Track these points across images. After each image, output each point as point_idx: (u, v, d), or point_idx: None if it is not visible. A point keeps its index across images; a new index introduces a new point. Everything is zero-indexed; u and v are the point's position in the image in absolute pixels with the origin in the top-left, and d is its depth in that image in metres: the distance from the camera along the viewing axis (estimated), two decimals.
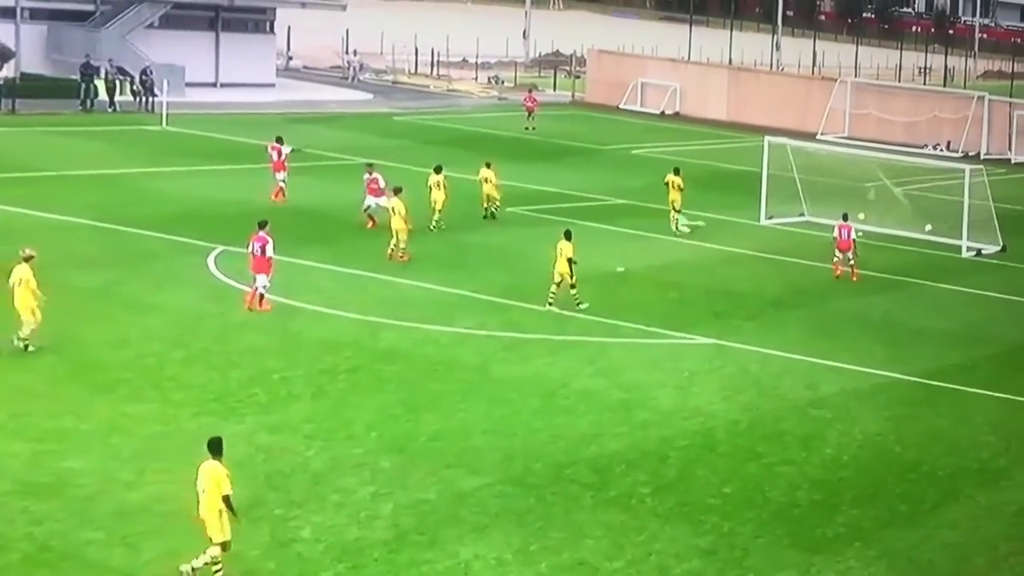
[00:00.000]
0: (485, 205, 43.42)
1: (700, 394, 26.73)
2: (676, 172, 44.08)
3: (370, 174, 40.92)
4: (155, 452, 21.40)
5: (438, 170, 41.40)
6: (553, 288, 32.16)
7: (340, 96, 77.48)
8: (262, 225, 31.10)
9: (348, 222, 40.81)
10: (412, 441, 22.76)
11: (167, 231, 36.80)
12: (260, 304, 30.12)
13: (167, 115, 59.73)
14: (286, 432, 22.66)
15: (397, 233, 36.02)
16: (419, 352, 28.01)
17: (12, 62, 64.03)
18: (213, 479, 16.99)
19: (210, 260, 34.60)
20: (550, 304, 32.10)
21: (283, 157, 43.67)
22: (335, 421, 23.51)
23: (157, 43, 69.82)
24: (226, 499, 16.99)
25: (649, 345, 30.05)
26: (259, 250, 30.53)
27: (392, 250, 36.03)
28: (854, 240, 38.28)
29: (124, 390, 24.39)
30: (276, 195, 42.95)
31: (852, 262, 38.21)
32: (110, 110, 62.93)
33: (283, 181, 43.43)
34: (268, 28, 77.89)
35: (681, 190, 43.45)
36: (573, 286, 32.15)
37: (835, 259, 38.47)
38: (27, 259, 26.37)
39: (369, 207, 40.39)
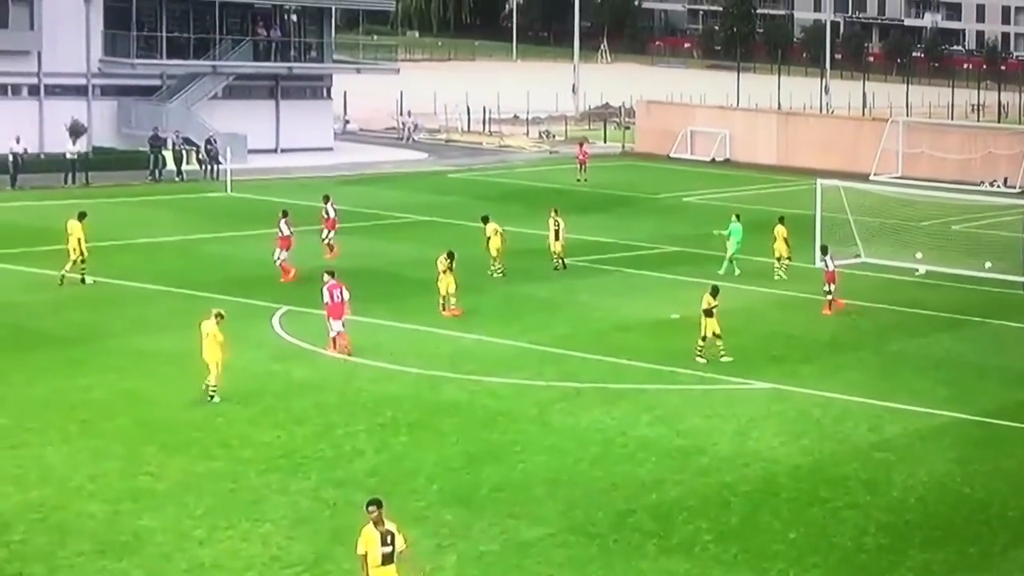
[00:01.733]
0: (555, 256, 43.52)
1: (760, 439, 26.52)
2: (781, 221, 43.63)
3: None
4: (225, 509, 21.58)
5: (486, 220, 42.18)
6: (700, 342, 32.09)
7: (395, 156, 77.98)
8: (331, 274, 32.30)
9: (407, 279, 41.05)
10: (474, 492, 22.79)
11: (233, 294, 37.12)
12: (334, 347, 31.37)
13: (231, 181, 60.42)
14: (351, 486, 22.77)
15: (446, 288, 36.15)
16: (478, 404, 28.10)
17: (85, 137, 64.99)
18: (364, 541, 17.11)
19: (275, 320, 34.91)
20: (698, 356, 32.03)
21: (330, 215, 44.58)
22: (398, 474, 23.59)
23: (220, 113, 70.73)
24: (362, 558, 17.05)
25: (707, 391, 29.89)
26: (337, 296, 31.75)
27: (443, 306, 36.11)
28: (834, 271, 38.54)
29: (195, 449, 24.62)
30: (328, 252, 43.24)
31: (831, 294, 38.28)
32: (177, 179, 63.66)
33: (329, 239, 43.91)
34: (325, 94, 78.58)
35: (786, 240, 43.07)
36: (718, 336, 32.07)
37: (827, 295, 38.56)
38: (217, 316, 27.83)
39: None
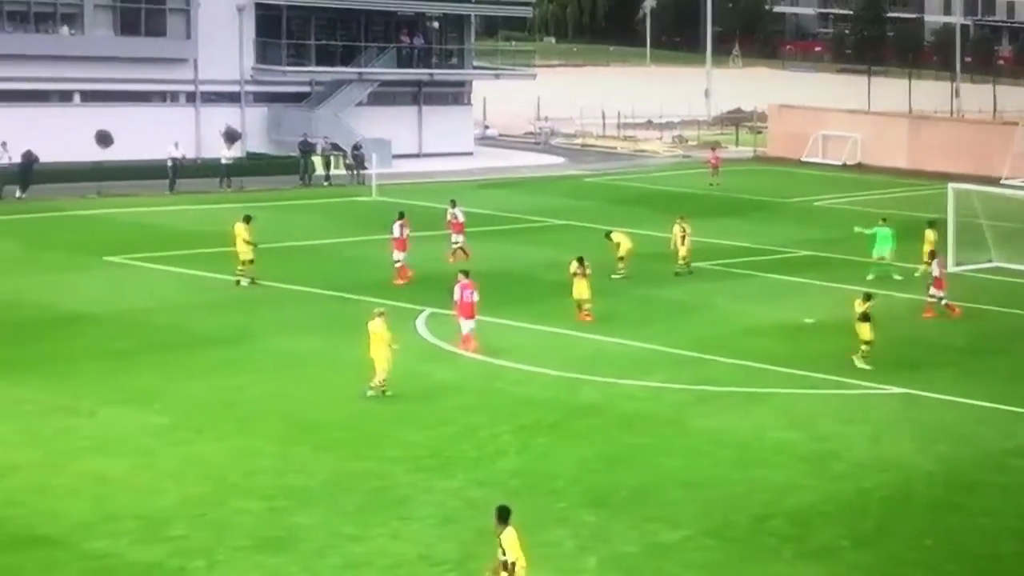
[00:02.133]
0: (681, 261, 43.02)
1: (895, 444, 26.00)
2: (931, 225, 42.66)
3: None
4: (375, 507, 21.66)
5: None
6: (863, 347, 31.68)
7: (533, 161, 77.96)
8: (466, 274, 32.62)
9: (543, 282, 41.00)
10: (613, 494, 22.63)
11: (380, 295, 37.13)
12: (470, 345, 31.55)
13: (376, 186, 60.77)
14: (494, 487, 22.73)
15: (579, 292, 35.88)
16: (616, 407, 27.96)
17: (239, 142, 66.10)
18: (514, 546, 16.87)
19: (419, 322, 35.08)
20: (861, 362, 31.56)
21: (458, 219, 44.32)
22: (539, 476, 23.51)
23: (366, 119, 71.43)
24: (505, 564, 16.90)
25: (841, 396, 29.41)
26: (467, 296, 31.99)
27: (580, 308, 35.97)
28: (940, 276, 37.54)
29: (344, 448, 24.77)
30: (452, 258, 42.91)
31: (940, 299, 37.38)
32: (326, 184, 64.15)
33: (461, 244, 43.59)
34: (466, 100, 79.04)
35: (932, 245, 41.77)
36: (867, 343, 31.63)
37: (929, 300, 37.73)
38: (381, 315, 28.20)
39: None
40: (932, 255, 38.89)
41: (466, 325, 31.92)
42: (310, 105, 70.91)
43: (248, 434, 25.49)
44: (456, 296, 32.12)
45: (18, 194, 56.33)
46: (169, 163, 60.54)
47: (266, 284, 39.78)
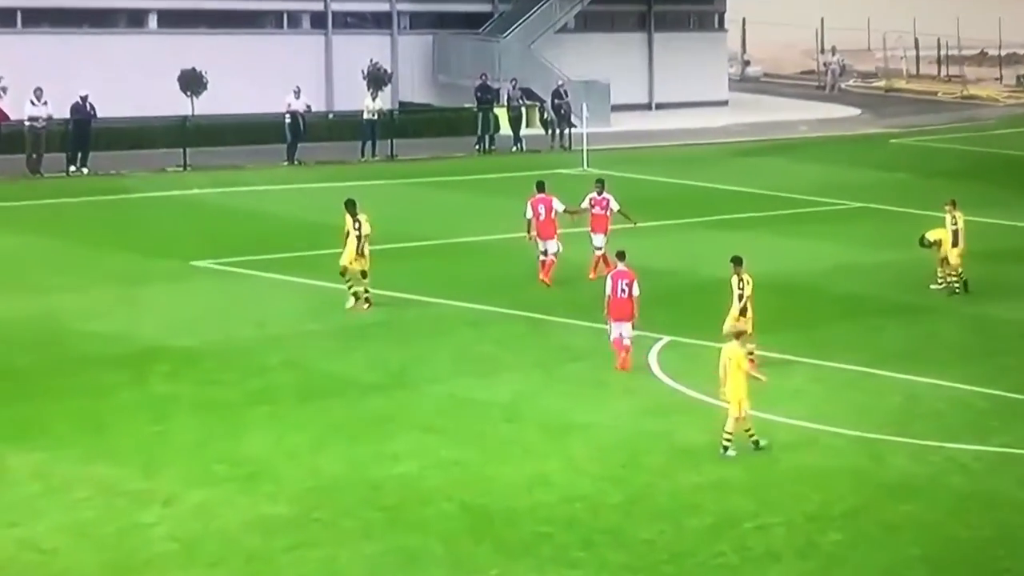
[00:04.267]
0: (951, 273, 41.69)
1: None
2: None
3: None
4: None
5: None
6: None
7: (815, 113, 77.32)
8: (621, 256, 34.05)
9: (831, 296, 40.86)
10: None
11: (590, 317, 36.76)
12: (626, 361, 32.62)
13: (588, 152, 60.08)
14: None
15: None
16: (942, 483, 27.43)
17: (387, 89, 65.55)
18: None
19: (651, 355, 34.78)
20: None
21: (604, 209, 42.90)
22: None
23: (571, 52, 70.75)
24: None
25: None
26: (622, 289, 32.85)
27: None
28: None
29: (546, 549, 24.39)
30: (594, 268, 42.00)
31: None
32: (514, 148, 64.15)
33: (600, 247, 42.15)
34: (717, 24, 78.02)
35: None
36: None
37: None
38: (738, 335, 29.47)
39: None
40: None
41: (617, 330, 32.74)
42: (491, 33, 70.55)
43: (405, 528, 25.19)
44: (608, 289, 33.11)
45: (72, 168, 56.63)
46: (287, 119, 60.13)
47: (429, 300, 39.65)
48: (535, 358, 34.64)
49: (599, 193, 42.98)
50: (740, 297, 33.45)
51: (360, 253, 38.35)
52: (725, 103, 76.14)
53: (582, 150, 60.68)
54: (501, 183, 57.43)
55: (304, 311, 39.16)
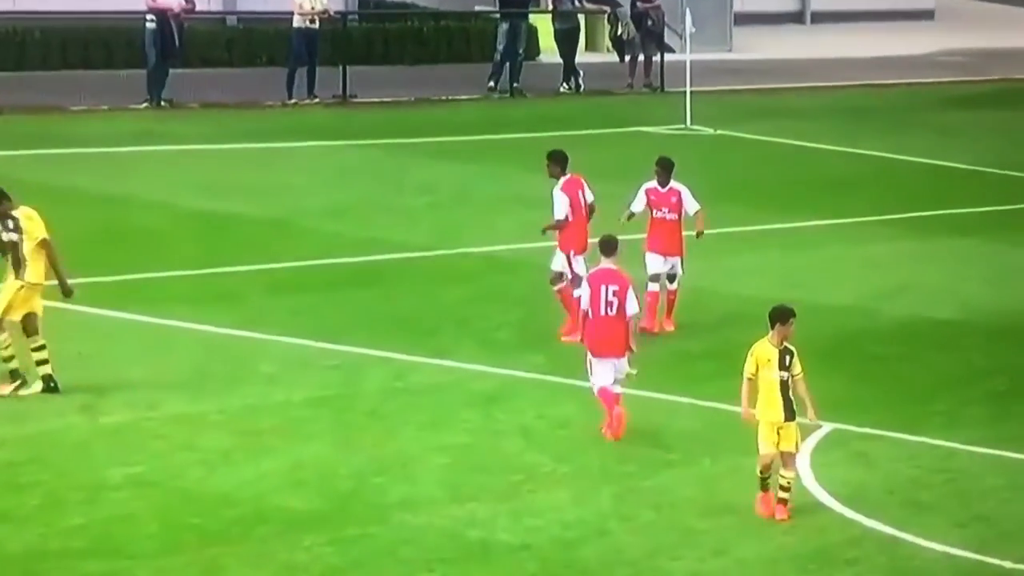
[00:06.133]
0: None
1: None
2: None
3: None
4: None
5: None
6: None
7: None
8: (607, 248, 26.43)
9: None
10: None
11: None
12: (620, 421, 25.53)
13: (691, 98, 46.47)
14: None
15: None
16: None
17: None
18: None
19: (805, 459, 25.20)
20: None
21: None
22: None
23: None
24: None
25: None
26: (611, 303, 26.29)
27: None
28: None
29: None
30: (653, 314, 31.56)
31: None
32: (564, 87, 50.47)
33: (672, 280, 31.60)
34: None
35: None
36: None
37: None
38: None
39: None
40: None
41: (604, 371, 25.71)
42: None
43: None
44: (584, 302, 25.62)
45: None
46: (148, 24, 44.62)
47: (407, 359, 27.45)
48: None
49: (663, 183, 30.65)
50: (783, 383, 23.89)
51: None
52: (930, 14, 65.78)
53: (684, 92, 46.49)
54: (535, 149, 38.28)
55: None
